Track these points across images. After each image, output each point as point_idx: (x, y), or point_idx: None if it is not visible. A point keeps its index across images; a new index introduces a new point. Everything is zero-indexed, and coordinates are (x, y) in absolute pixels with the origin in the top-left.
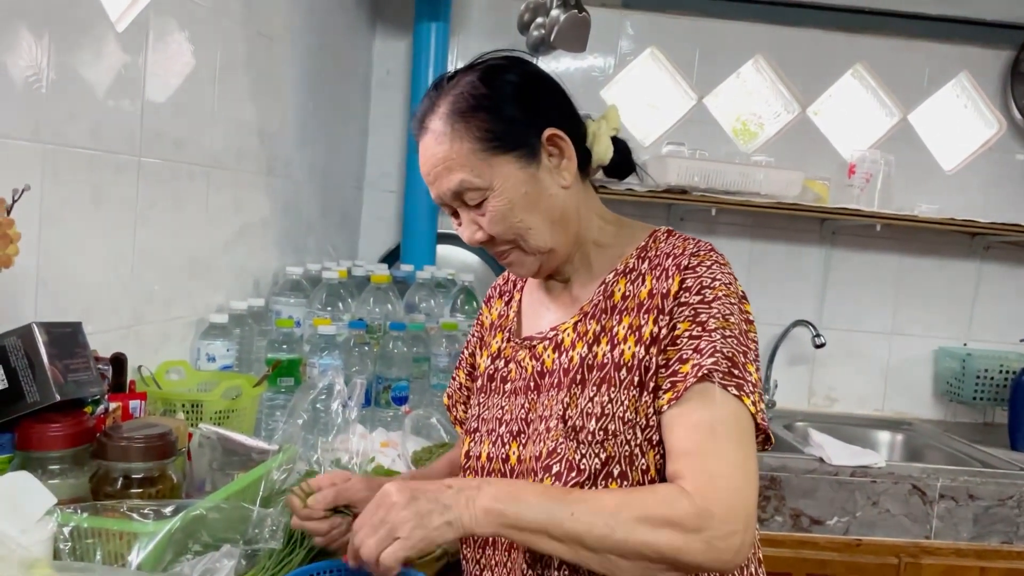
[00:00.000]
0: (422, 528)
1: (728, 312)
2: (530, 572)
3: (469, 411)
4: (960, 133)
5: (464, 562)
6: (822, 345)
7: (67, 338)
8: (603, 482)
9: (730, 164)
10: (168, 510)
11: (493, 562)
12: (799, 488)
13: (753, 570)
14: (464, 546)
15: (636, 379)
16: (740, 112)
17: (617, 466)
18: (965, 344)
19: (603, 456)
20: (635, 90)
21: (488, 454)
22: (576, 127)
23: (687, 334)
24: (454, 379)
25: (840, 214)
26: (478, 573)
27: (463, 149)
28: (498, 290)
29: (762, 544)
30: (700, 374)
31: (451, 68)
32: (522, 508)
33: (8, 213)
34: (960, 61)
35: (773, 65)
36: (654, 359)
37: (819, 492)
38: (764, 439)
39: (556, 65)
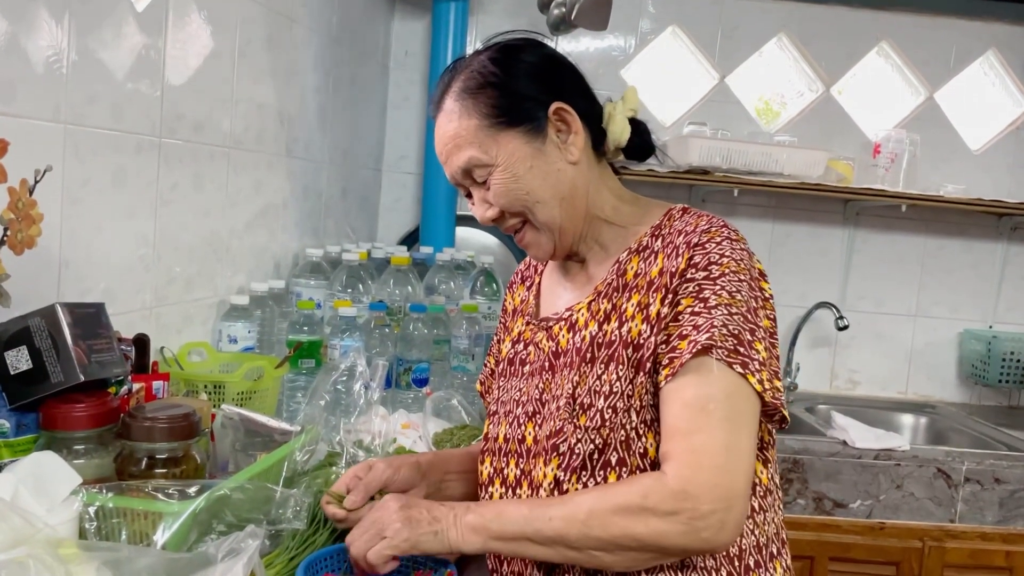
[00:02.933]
0: (408, 530)
1: (735, 289)
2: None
3: (492, 395)
4: (987, 112)
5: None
6: (845, 327)
7: (90, 319)
8: (601, 471)
9: (752, 144)
10: (192, 490)
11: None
12: (822, 471)
13: (775, 550)
14: None
15: (641, 358)
16: (763, 91)
17: (614, 453)
18: (991, 326)
19: (598, 442)
20: (656, 70)
21: (505, 435)
22: (590, 106)
23: (689, 310)
24: (485, 366)
25: (864, 195)
26: (498, 563)
27: (470, 125)
28: (520, 276)
29: (784, 527)
30: (696, 349)
31: (470, 48)
32: (504, 522)
33: (30, 194)
34: (988, 38)
35: (796, 43)
36: (654, 338)
37: (842, 475)
38: (781, 419)
39: (576, 45)
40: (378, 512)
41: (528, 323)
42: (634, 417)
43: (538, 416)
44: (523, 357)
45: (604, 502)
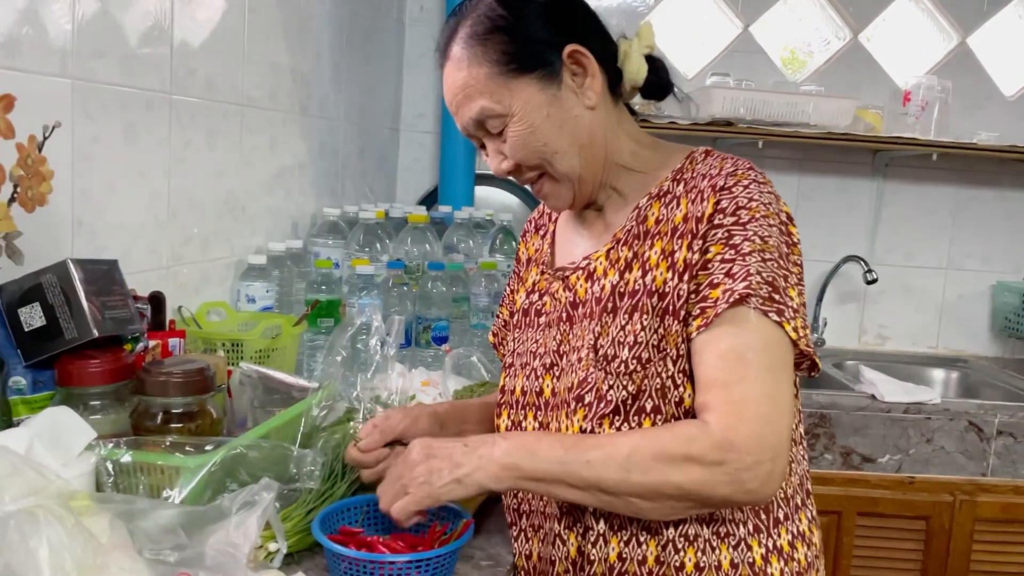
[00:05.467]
0: (428, 485)
1: (766, 234)
2: (565, 505)
3: (507, 347)
4: (1022, 56)
5: (503, 496)
6: (874, 281)
7: (104, 275)
8: (635, 417)
9: (777, 94)
10: (208, 448)
11: (531, 496)
12: (850, 426)
13: (800, 501)
14: None
15: (669, 307)
16: (788, 40)
17: (649, 400)
18: None
19: (631, 388)
20: (678, 19)
21: (522, 388)
22: (605, 46)
23: (719, 257)
24: (498, 317)
25: (894, 144)
26: (516, 506)
27: (481, 74)
28: (533, 224)
29: (809, 478)
30: (732, 299)
31: None
32: (538, 461)
33: (40, 150)
34: None
35: None
36: (686, 286)
37: (871, 429)
38: (811, 366)
39: None
40: (402, 465)
41: (543, 272)
42: (670, 366)
43: (556, 368)
44: (539, 308)
45: (645, 447)
